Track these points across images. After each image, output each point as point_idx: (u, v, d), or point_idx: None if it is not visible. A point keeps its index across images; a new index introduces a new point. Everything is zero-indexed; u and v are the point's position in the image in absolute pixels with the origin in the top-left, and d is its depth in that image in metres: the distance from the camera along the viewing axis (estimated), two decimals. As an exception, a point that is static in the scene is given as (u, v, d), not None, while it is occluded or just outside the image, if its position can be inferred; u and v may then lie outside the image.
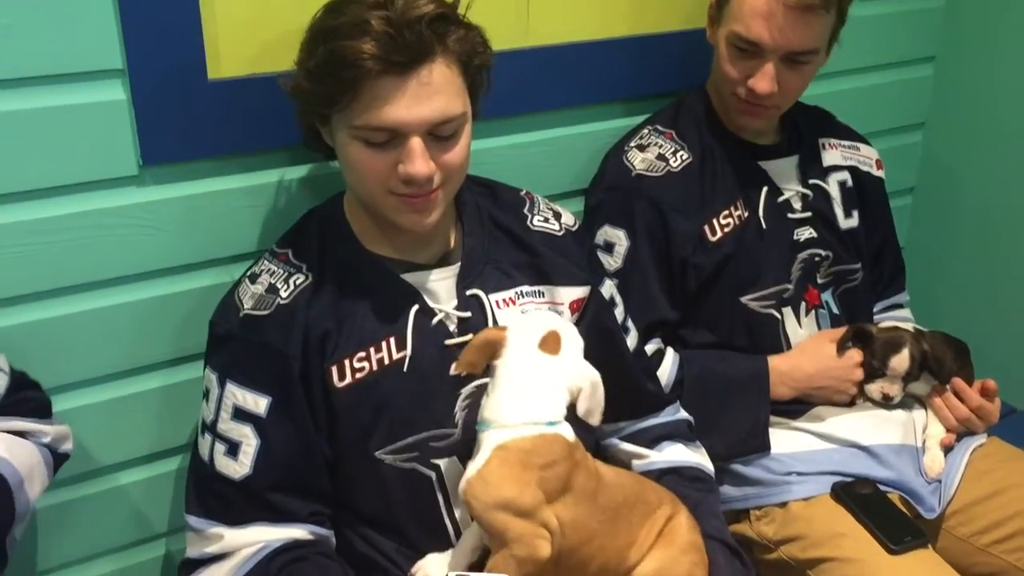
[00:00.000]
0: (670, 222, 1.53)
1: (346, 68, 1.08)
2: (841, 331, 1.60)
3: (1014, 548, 1.47)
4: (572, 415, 1.17)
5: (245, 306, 1.23)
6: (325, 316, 1.22)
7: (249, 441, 1.20)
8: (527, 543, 1.08)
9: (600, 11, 1.62)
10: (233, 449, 1.21)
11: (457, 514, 1.24)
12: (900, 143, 2.12)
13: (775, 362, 1.57)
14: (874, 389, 1.57)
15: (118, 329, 1.34)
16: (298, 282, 1.23)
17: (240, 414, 1.20)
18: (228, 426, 1.21)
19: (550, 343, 1.18)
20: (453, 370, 1.22)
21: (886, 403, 1.56)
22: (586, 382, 1.17)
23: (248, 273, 1.27)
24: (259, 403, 1.20)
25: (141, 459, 1.42)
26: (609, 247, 1.54)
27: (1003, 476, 1.53)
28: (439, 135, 1.15)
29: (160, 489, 1.44)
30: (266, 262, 1.27)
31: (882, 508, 1.43)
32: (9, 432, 1.14)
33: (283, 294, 1.23)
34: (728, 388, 1.55)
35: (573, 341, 1.21)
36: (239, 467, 1.20)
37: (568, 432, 1.15)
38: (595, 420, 1.19)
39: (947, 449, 1.55)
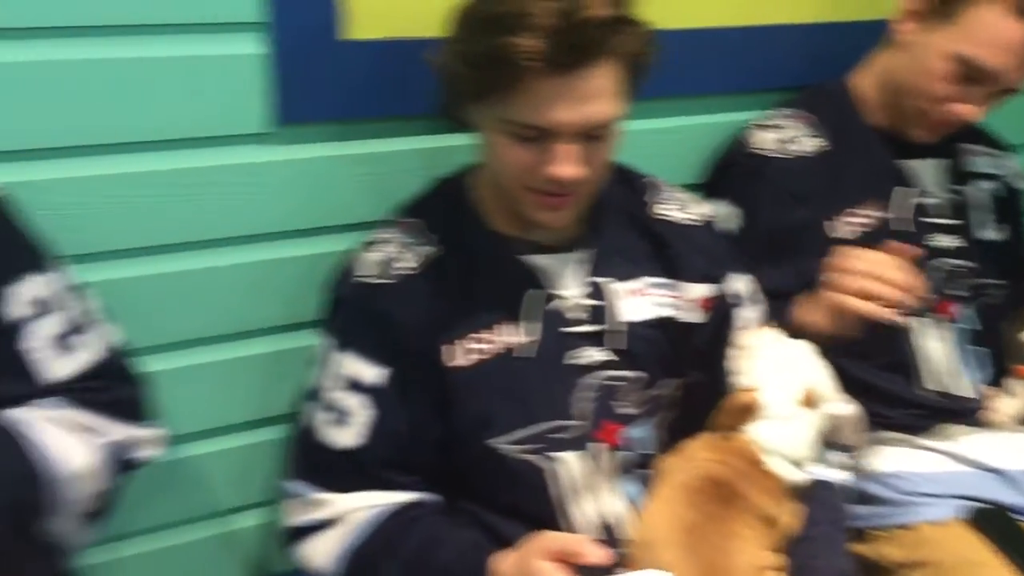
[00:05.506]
0: (790, 210, 1.45)
1: (507, 65, 1.03)
2: None
3: None
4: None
5: (367, 274, 1.19)
6: (446, 292, 1.17)
7: (361, 412, 1.16)
8: None
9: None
10: (343, 419, 1.17)
11: (574, 514, 1.18)
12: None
13: None
14: None
15: (229, 290, 1.30)
16: (423, 253, 1.19)
17: (354, 384, 1.17)
18: (340, 395, 1.17)
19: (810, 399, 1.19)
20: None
21: None
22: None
23: (370, 241, 1.23)
24: (375, 374, 1.16)
25: (243, 425, 1.38)
26: None
27: None
28: (589, 135, 1.10)
29: (261, 457, 1.40)
30: (389, 231, 1.23)
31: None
32: (68, 424, 1.03)
33: (407, 264, 1.18)
34: None
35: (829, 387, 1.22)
36: (348, 438, 1.16)
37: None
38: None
39: None
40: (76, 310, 1.07)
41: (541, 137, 1.08)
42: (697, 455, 1.17)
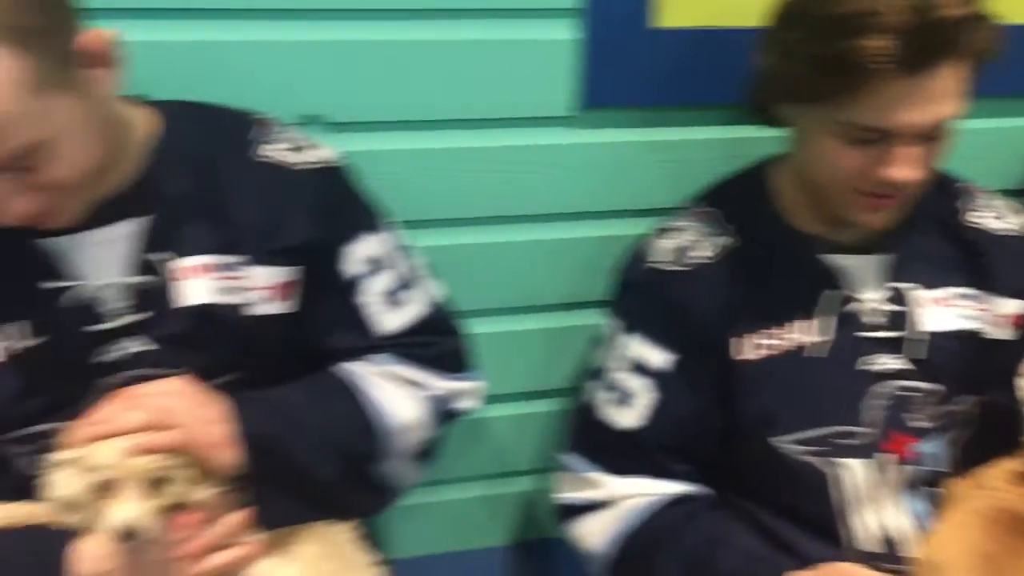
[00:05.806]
0: None
1: (854, 68, 1.00)
2: None
3: None
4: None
5: (660, 260, 1.20)
6: (740, 284, 1.17)
7: (645, 394, 1.18)
8: None
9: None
10: (625, 400, 1.19)
11: (855, 524, 1.15)
12: None
13: None
14: None
15: (524, 265, 1.36)
16: (720, 243, 1.19)
17: (640, 367, 1.18)
18: (624, 376, 1.19)
19: None
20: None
21: None
22: None
23: (664, 227, 1.25)
24: (662, 359, 1.17)
25: (517, 395, 1.44)
26: None
27: None
28: (927, 136, 1.05)
29: (530, 428, 1.46)
30: (685, 219, 1.24)
31: None
32: (396, 379, 1.11)
33: (704, 253, 1.19)
34: None
35: None
36: (629, 418, 1.18)
37: None
38: None
39: None
40: (404, 267, 1.15)
41: (880, 139, 1.05)
42: (995, 485, 1.10)
